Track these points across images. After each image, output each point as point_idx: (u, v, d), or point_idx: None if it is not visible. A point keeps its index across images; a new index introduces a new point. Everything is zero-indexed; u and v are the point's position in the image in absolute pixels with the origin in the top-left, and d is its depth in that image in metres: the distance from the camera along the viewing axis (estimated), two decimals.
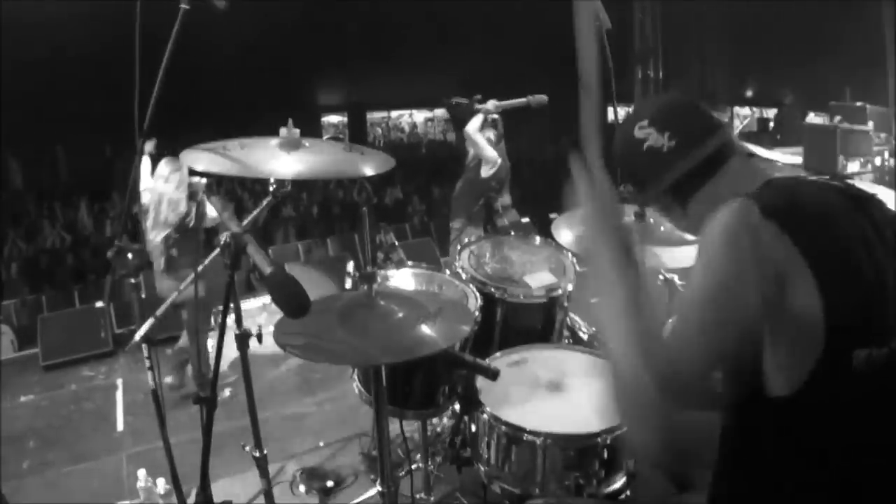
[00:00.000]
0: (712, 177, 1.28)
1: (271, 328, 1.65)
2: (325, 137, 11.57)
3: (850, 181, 1.33)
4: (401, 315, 1.73)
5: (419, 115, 19.68)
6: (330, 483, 3.03)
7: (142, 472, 2.83)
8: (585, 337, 2.62)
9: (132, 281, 2.19)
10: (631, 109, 1.44)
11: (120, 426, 4.57)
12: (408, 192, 12.96)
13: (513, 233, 2.95)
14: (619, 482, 1.91)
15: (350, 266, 4.68)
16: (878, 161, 5.43)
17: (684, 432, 1.16)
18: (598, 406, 1.84)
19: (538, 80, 4.44)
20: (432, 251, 8.04)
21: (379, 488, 1.97)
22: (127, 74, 1.86)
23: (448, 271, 2.57)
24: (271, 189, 1.98)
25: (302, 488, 3.04)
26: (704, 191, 1.29)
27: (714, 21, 11.24)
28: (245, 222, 1.77)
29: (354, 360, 1.91)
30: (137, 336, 2.00)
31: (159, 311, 2.09)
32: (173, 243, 4.26)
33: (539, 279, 2.54)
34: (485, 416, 1.95)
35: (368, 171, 1.77)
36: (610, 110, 2.42)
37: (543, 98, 3.85)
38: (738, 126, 13.98)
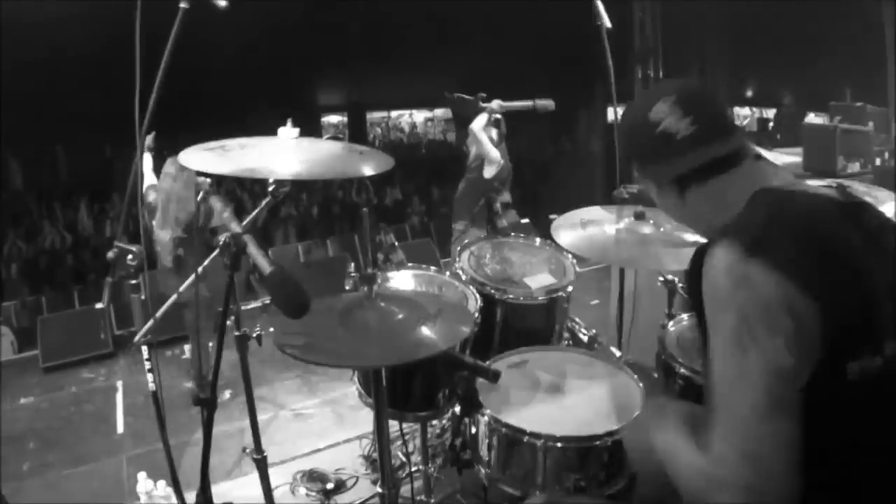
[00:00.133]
0: (722, 174, 1.26)
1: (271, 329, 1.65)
2: (324, 137, 11.56)
3: (845, 185, 1.31)
4: (401, 316, 1.72)
5: (419, 115, 19.67)
6: (330, 485, 3.02)
7: (142, 475, 2.82)
8: (585, 339, 2.61)
9: (132, 282, 2.18)
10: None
11: (120, 428, 4.57)
12: (407, 192, 12.96)
13: (513, 234, 2.94)
14: (620, 484, 1.90)
15: (351, 267, 4.67)
16: (878, 161, 5.41)
17: None
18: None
19: (538, 80, 4.44)
20: (432, 252, 8.03)
21: (379, 490, 1.96)
22: (127, 74, 1.85)
23: (448, 272, 2.56)
24: (270, 189, 1.98)
25: (302, 490, 3.03)
26: (710, 185, 1.27)
27: (714, 21, 11.23)
28: (244, 223, 1.77)
29: (354, 363, 1.90)
30: (137, 337, 2.00)
31: (159, 313, 2.09)
32: (180, 243, 4.25)
33: (539, 280, 2.53)
34: (485, 417, 1.95)
35: (368, 171, 1.76)
36: (610, 110, 2.42)
37: (550, 103, 3.76)
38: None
